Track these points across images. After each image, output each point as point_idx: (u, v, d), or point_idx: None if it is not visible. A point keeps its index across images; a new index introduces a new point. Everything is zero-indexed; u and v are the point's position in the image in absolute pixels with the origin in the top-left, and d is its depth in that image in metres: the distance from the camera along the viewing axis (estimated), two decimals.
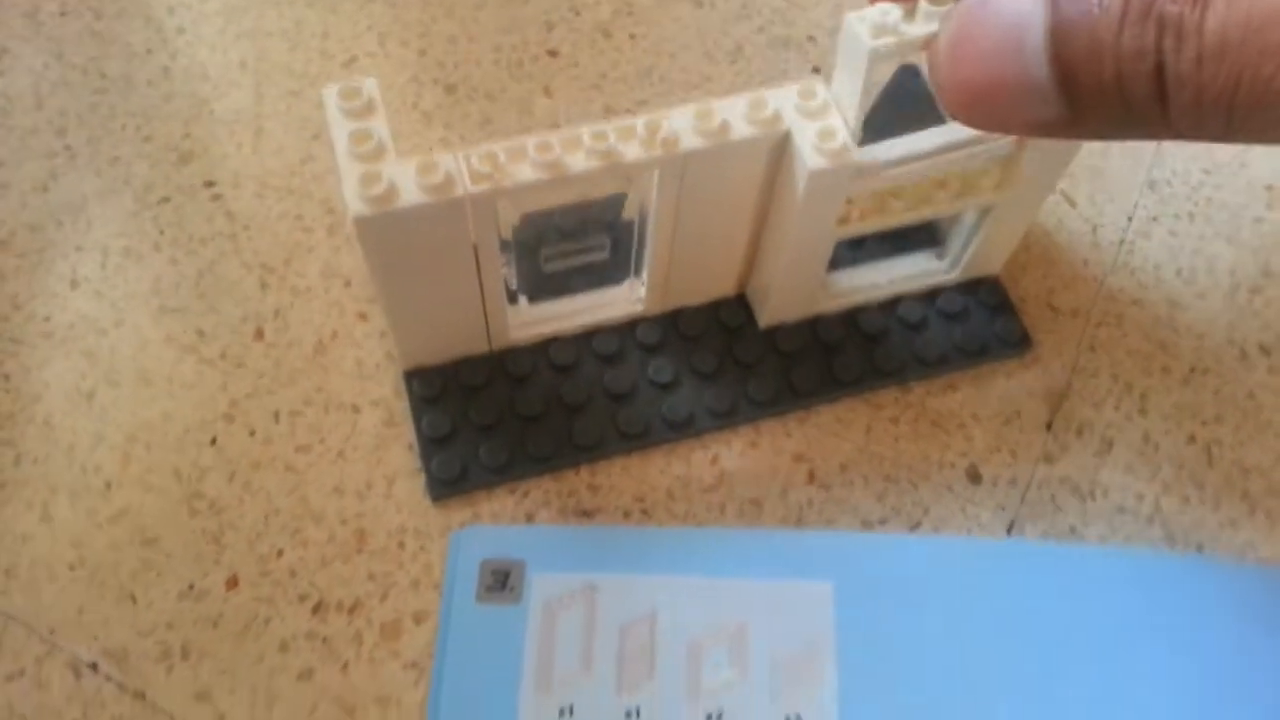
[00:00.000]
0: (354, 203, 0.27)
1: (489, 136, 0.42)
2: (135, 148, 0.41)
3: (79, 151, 0.41)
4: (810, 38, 0.44)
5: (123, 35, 0.44)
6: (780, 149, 0.29)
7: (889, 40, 0.26)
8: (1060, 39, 0.19)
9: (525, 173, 0.28)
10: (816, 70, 0.44)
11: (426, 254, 0.29)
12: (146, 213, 0.40)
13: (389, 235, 0.28)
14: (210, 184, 0.40)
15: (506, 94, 0.43)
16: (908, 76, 0.30)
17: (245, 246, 0.39)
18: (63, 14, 0.45)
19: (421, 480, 0.34)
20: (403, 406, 0.35)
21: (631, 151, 0.28)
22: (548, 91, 0.43)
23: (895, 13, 0.26)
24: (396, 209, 0.27)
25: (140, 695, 0.31)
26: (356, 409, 0.36)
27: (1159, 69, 0.18)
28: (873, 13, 0.27)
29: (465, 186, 0.27)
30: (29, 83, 0.43)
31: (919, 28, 0.26)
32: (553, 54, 0.44)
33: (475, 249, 0.30)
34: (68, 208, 0.40)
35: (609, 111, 0.42)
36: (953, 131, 0.30)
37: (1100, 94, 0.19)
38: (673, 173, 0.29)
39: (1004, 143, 0.31)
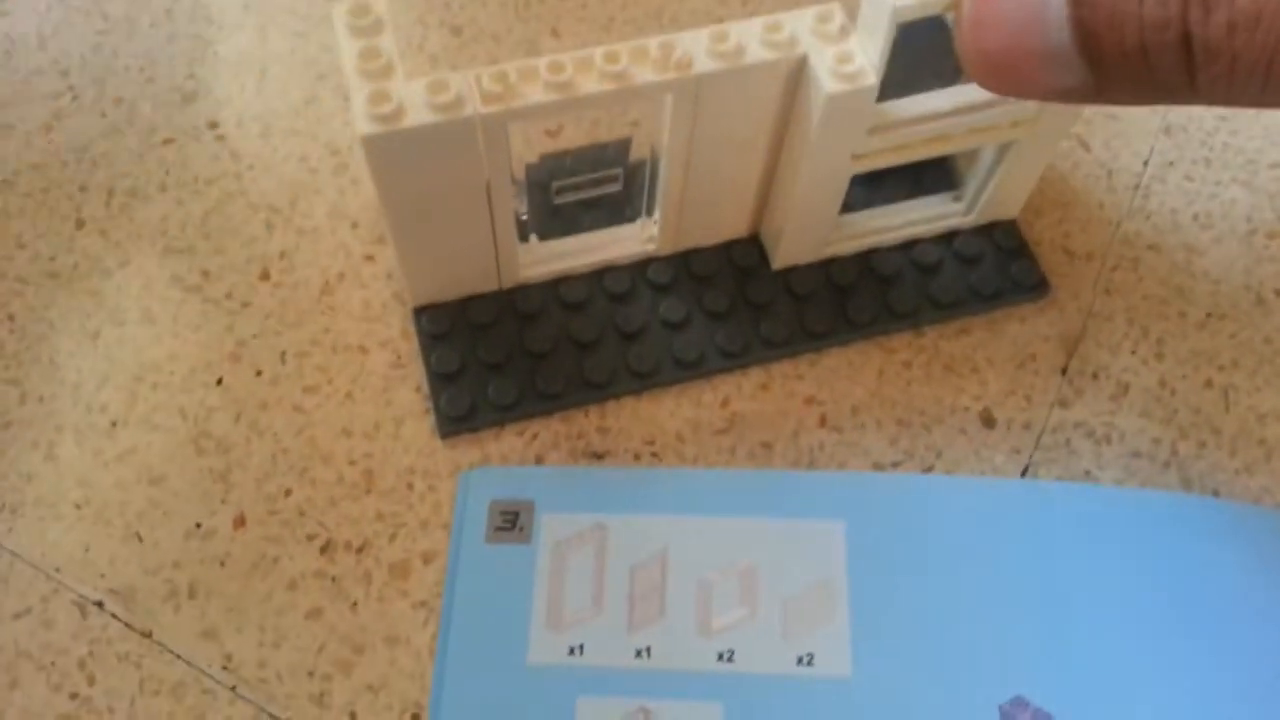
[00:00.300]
0: (362, 121, 0.26)
1: None
2: (139, 89, 0.41)
3: (83, 92, 0.41)
4: None
5: None
6: (796, 74, 0.29)
7: (912, 1, 0.26)
8: (1081, 6, 0.18)
9: (537, 93, 0.27)
10: None
11: (436, 179, 0.29)
12: (151, 153, 0.39)
13: (398, 156, 0.27)
14: (214, 125, 0.40)
15: (513, 35, 0.42)
16: (932, 27, 0.29)
17: (251, 187, 0.38)
18: None
19: (429, 422, 0.34)
20: (410, 348, 0.35)
21: (644, 74, 0.28)
22: (555, 33, 0.42)
23: None
24: (405, 127, 0.26)
25: (147, 634, 0.31)
26: (364, 350, 0.35)
27: (1185, 38, 0.18)
28: None
29: (476, 106, 0.27)
30: (33, 24, 0.42)
31: None
32: None
33: (487, 180, 0.29)
34: (72, 148, 0.39)
35: None
36: (973, 91, 0.30)
37: (1124, 62, 0.18)
38: (686, 96, 0.29)
39: (1024, 105, 0.30)
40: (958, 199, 0.36)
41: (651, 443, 0.34)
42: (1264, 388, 0.35)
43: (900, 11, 0.26)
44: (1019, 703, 0.28)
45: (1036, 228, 0.37)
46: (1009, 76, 0.20)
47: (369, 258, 0.37)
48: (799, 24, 0.29)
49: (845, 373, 0.35)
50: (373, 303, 0.36)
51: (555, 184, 0.31)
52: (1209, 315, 0.36)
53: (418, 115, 0.27)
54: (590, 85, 0.28)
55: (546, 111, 0.27)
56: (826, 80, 0.28)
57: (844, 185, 0.32)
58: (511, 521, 0.32)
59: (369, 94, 0.27)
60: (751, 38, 0.28)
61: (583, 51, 0.28)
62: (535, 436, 0.34)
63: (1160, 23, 0.18)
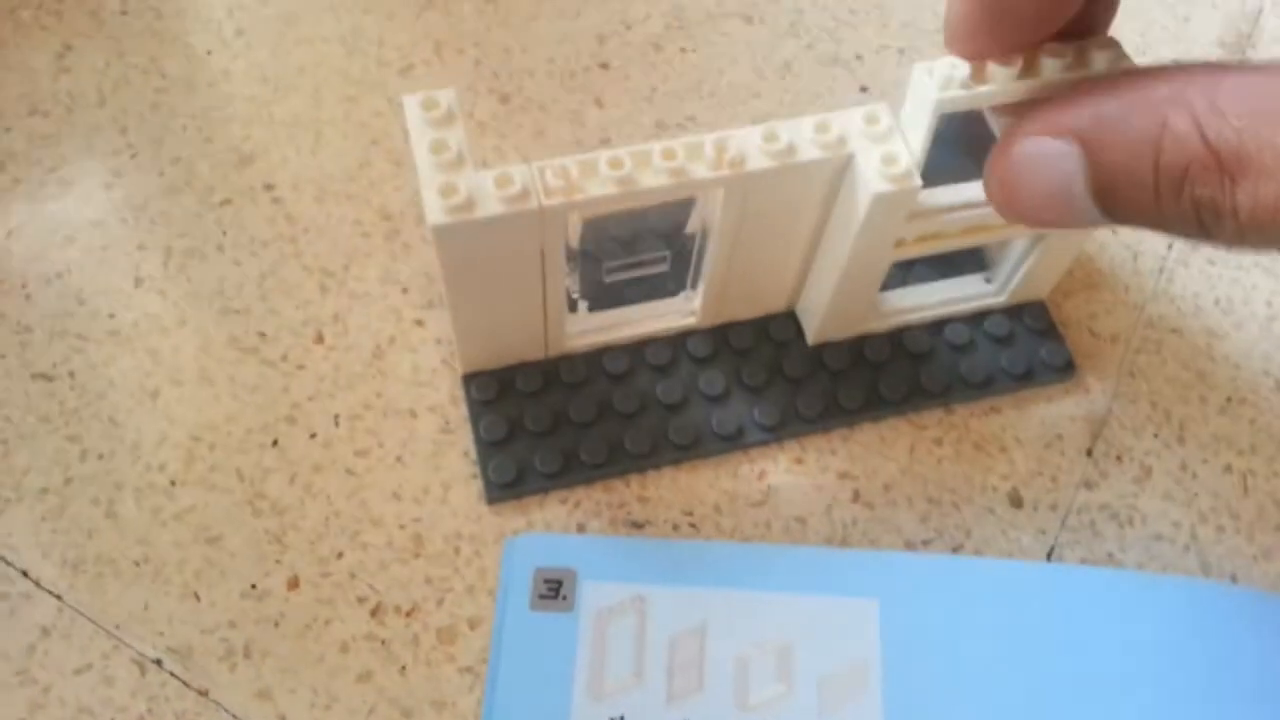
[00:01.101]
0: (434, 212, 0.28)
1: (542, 146, 0.42)
2: (197, 148, 0.42)
3: (141, 150, 0.42)
4: (858, 56, 0.45)
5: (182, 35, 0.45)
6: (842, 171, 0.30)
7: (956, 94, 0.27)
8: (1103, 194, 0.21)
9: (597, 187, 0.29)
10: (864, 89, 0.44)
11: (497, 262, 0.30)
12: (209, 214, 0.41)
13: (465, 243, 0.29)
14: (270, 187, 0.41)
15: (559, 105, 0.44)
16: (970, 120, 0.30)
17: (305, 250, 0.40)
18: (124, 12, 0.45)
19: (476, 487, 0.35)
20: (458, 414, 0.36)
21: (699, 170, 0.29)
22: (599, 103, 0.44)
23: (964, 68, 0.27)
24: (475, 219, 0.28)
25: (204, 693, 0.32)
26: (414, 414, 0.36)
27: (1201, 226, 0.20)
28: (941, 65, 0.27)
29: (540, 199, 0.28)
30: (92, 81, 0.44)
31: (987, 85, 0.27)
32: (604, 66, 0.45)
33: (543, 258, 0.30)
34: (130, 206, 0.41)
35: (659, 125, 0.43)
36: None
37: (1141, 219, 0.21)
38: (737, 191, 0.30)
39: None
40: (989, 280, 0.37)
41: (690, 513, 0.35)
42: None
43: (943, 103, 0.28)
44: None
45: (1064, 309, 0.38)
46: (1033, 224, 0.23)
47: (419, 322, 0.38)
48: (848, 124, 0.30)
49: (877, 448, 0.36)
50: (422, 367, 0.37)
51: (606, 264, 0.33)
52: (1229, 400, 0.37)
53: (486, 207, 0.28)
54: (648, 179, 0.29)
55: (606, 203, 0.29)
56: (874, 180, 0.29)
57: (883, 272, 0.33)
58: (555, 589, 0.33)
59: (440, 186, 0.28)
60: (801, 137, 0.30)
61: (639, 147, 0.29)
62: (578, 504, 0.35)
63: (1178, 216, 0.20)
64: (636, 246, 0.34)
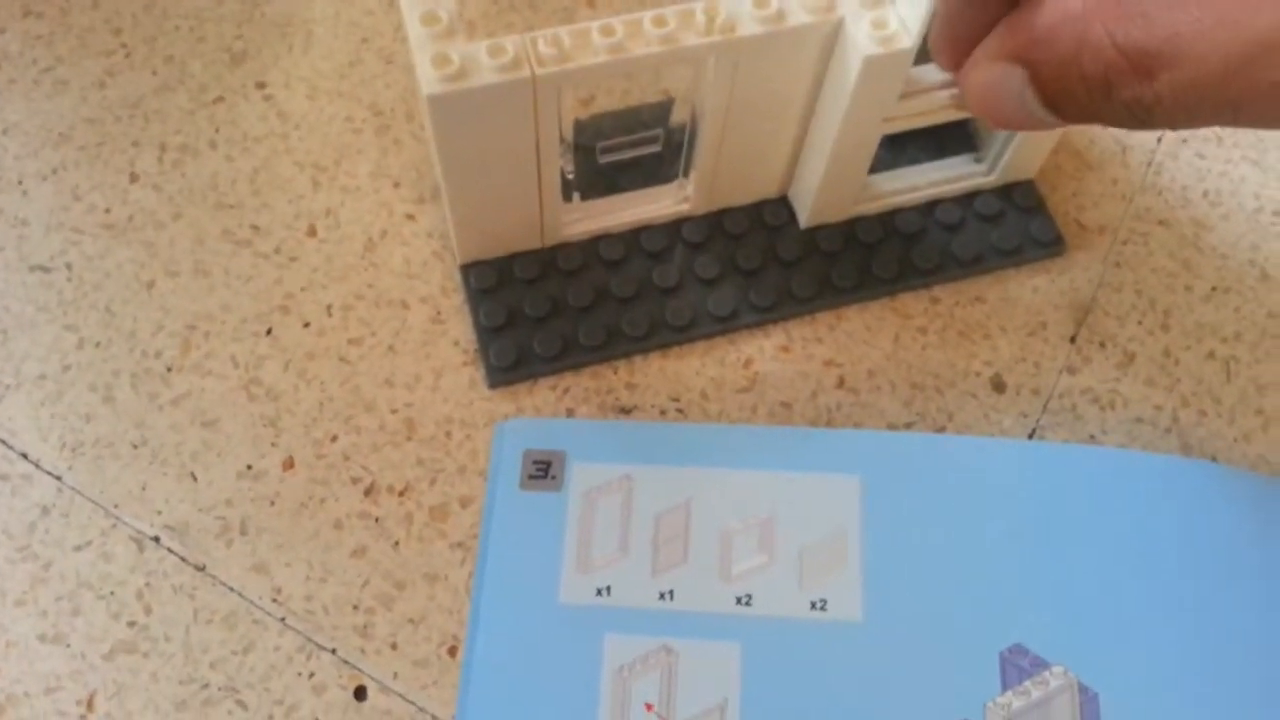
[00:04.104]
0: (428, 83, 0.28)
1: None
2: (189, 47, 0.42)
3: (135, 50, 0.42)
4: None
5: None
6: (833, 37, 0.30)
7: None
8: (1051, 105, 0.24)
9: (589, 56, 0.29)
10: None
11: (492, 139, 0.30)
12: (201, 111, 0.41)
13: (460, 114, 0.29)
14: (262, 85, 0.41)
15: (549, 3, 0.44)
16: None
17: (297, 146, 0.40)
18: None
19: (467, 374, 0.36)
20: (449, 304, 0.37)
21: (691, 37, 0.29)
22: (590, 2, 0.44)
23: None
24: (468, 87, 0.28)
25: (201, 567, 0.33)
26: (405, 305, 0.37)
27: (1138, 120, 0.22)
28: None
29: (533, 67, 0.29)
30: None
31: None
32: None
33: (537, 136, 0.31)
34: (125, 104, 0.41)
35: None
36: None
37: (1081, 113, 0.23)
38: (728, 59, 0.30)
39: None
40: (978, 160, 0.38)
41: (677, 399, 0.36)
42: (1264, 360, 0.36)
43: None
44: (1018, 650, 0.30)
45: (1052, 200, 0.39)
46: (1002, 125, 0.25)
47: (410, 216, 0.39)
48: None
49: (863, 336, 0.37)
50: (413, 260, 0.38)
51: (600, 144, 0.33)
52: (1214, 289, 0.38)
53: (480, 76, 0.28)
54: (640, 48, 0.29)
55: (598, 73, 0.29)
56: (864, 43, 0.29)
57: (874, 146, 0.34)
58: (544, 470, 0.34)
59: (433, 55, 0.28)
60: (792, 2, 0.30)
61: (631, 16, 0.30)
62: (567, 391, 0.36)
63: (1114, 115, 0.22)
64: (630, 128, 0.34)
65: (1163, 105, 0.22)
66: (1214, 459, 0.35)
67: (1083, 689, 0.30)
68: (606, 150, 0.34)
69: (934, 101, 0.32)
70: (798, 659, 0.30)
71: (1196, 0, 0.21)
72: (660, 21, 0.29)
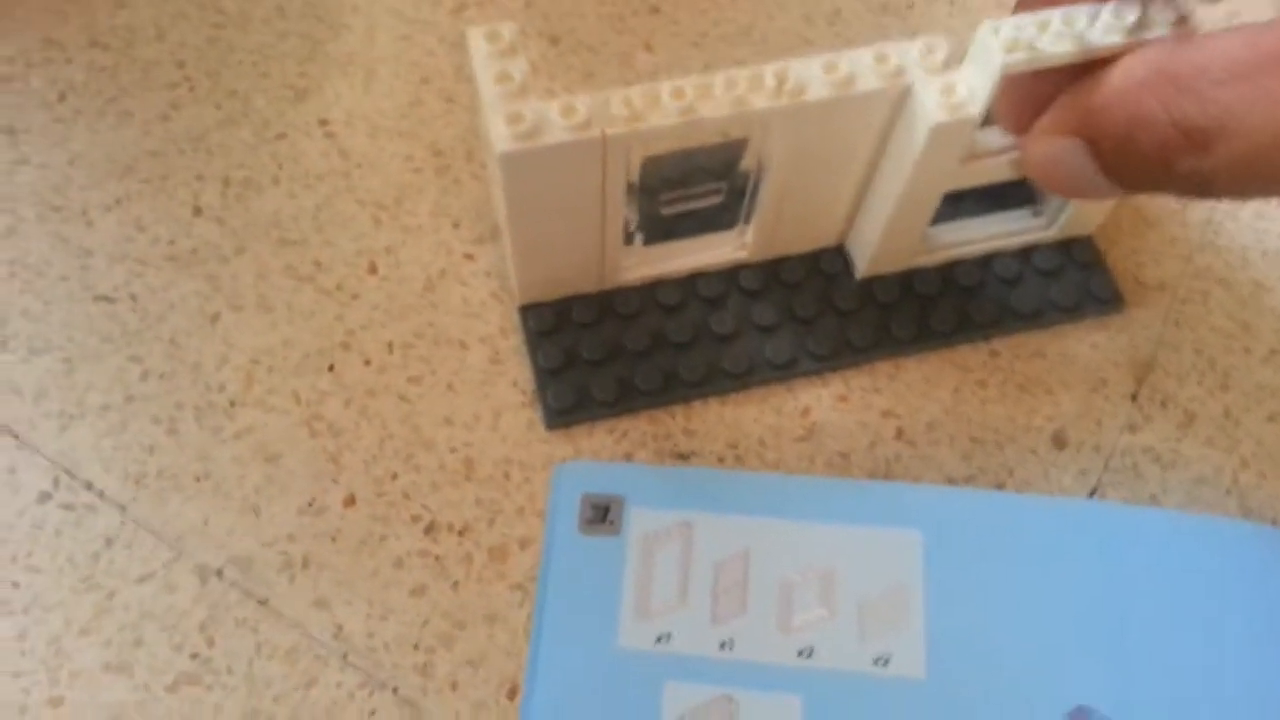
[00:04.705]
0: (501, 140, 0.28)
1: (591, 89, 0.43)
2: (253, 83, 0.43)
3: (198, 84, 0.43)
4: (909, 4, 0.45)
5: None
6: (901, 102, 0.31)
7: (1021, 56, 0.27)
8: (1113, 177, 0.24)
9: (659, 117, 0.29)
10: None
11: (559, 191, 0.31)
12: (264, 147, 0.41)
13: (530, 171, 0.29)
14: (324, 122, 0.42)
15: (608, 48, 0.44)
16: None
17: (358, 184, 0.40)
18: None
19: (526, 415, 0.36)
20: (508, 345, 0.37)
21: (759, 100, 0.30)
22: (649, 47, 0.44)
23: (1030, 28, 0.27)
24: (541, 146, 0.28)
25: (264, 602, 0.33)
26: (464, 345, 0.37)
27: (1200, 191, 0.23)
28: (1007, 27, 0.28)
29: (604, 127, 0.29)
30: (150, 15, 0.44)
31: (1052, 45, 0.27)
32: (654, 10, 0.45)
33: (603, 188, 0.31)
34: (188, 137, 0.41)
35: (708, 69, 0.43)
36: None
37: (1145, 187, 0.24)
38: (796, 122, 0.30)
39: None
40: (1037, 214, 0.38)
41: (735, 446, 0.36)
42: None
43: (1008, 65, 0.28)
44: (1082, 712, 0.30)
45: (1111, 256, 0.39)
46: (1065, 194, 0.26)
47: (469, 256, 0.39)
48: (906, 55, 0.30)
49: (921, 389, 0.37)
50: (472, 300, 0.38)
51: (663, 195, 0.33)
52: (1273, 351, 0.38)
53: (552, 135, 0.29)
54: (709, 110, 0.30)
55: (669, 134, 0.29)
56: (932, 110, 0.30)
57: (935, 204, 0.34)
58: (602, 514, 0.34)
59: (506, 115, 0.29)
60: (861, 67, 0.30)
61: (702, 78, 0.30)
62: (624, 435, 0.36)
63: (1156, 157, 0.23)
64: (691, 181, 0.34)
65: (1219, 177, 0.22)
66: (1275, 522, 0.34)
67: None
68: (669, 202, 0.35)
69: (997, 165, 0.32)
70: (860, 714, 0.30)
71: (1245, 77, 0.21)
72: (730, 84, 0.29)
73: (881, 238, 0.35)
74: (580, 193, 0.31)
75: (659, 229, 0.36)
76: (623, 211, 0.33)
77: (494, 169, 0.31)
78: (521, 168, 0.29)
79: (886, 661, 0.31)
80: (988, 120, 0.31)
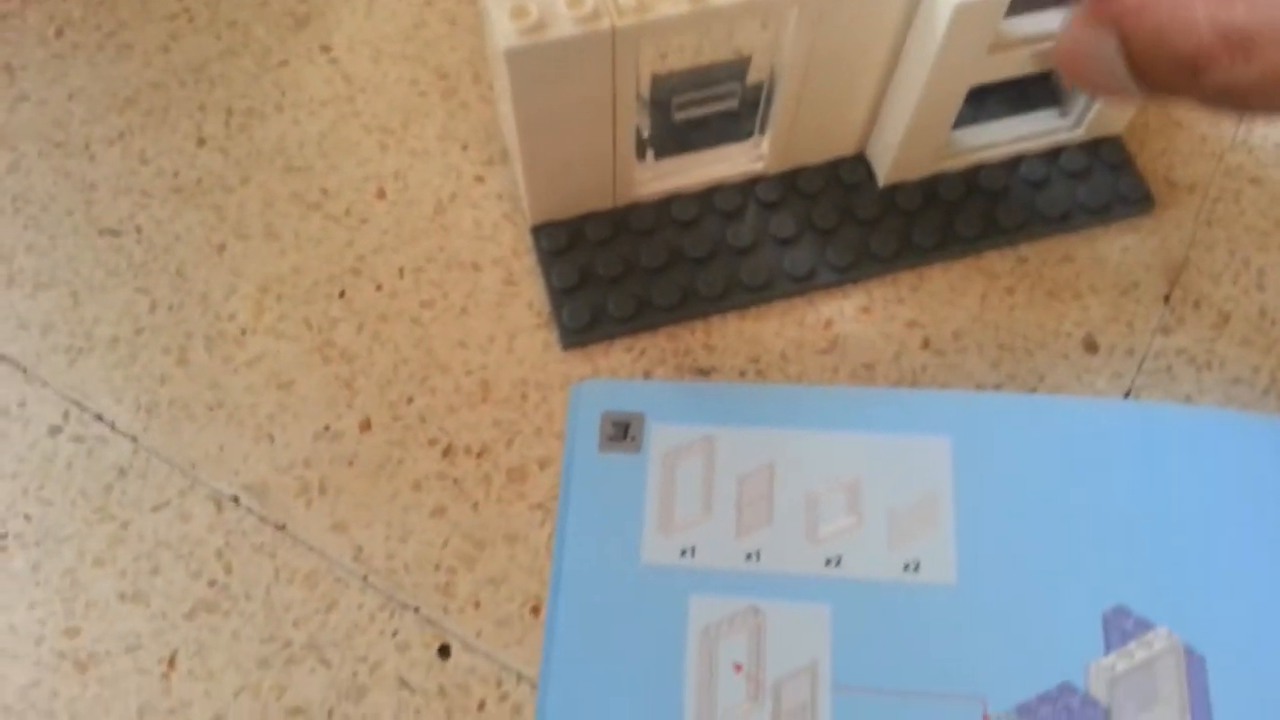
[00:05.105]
0: (505, 36, 0.27)
1: None
2: (252, 12, 0.42)
3: (198, 14, 0.42)
4: None
5: None
6: None
7: None
8: (1139, 76, 0.23)
9: (670, 6, 0.28)
10: None
11: (569, 93, 0.30)
12: (266, 75, 0.40)
13: (537, 68, 0.28)
14: (326, 49, 0.41)
15: None
16: None
17: (364, 109, 0.39)
18: None
19: (541, 336, 0.35)
20: (521, 266, 0.36)
21: None
22: None
23: None
24: (547, 40, 0.27)
25: (281, 526, 0.32)
26: (477, 267, 0.36)
27: (1230, 103, 0.22)
28: None
29: (613, 19, 0.28)
30: None
31: None
32: None
33: (614, 92, 0.30)
34: (189, 68, 0.40)
35: None
36: None
37: (1175, 97, 0.23)
38: (812, 10, 0.29)
39: None
40: (1064, 114, 0.36)
41: (756, 361, 0.35)
42: None
43: None
44: (1121, 611, 0.29)
45: (1141, 159, 0.38)
46: (1086, 88, 0.25)
47: (479, 179, 0.38)
48: None
49: (947, 297, 0.36)
50: (484, 222, 0.37)
51: (676, 99, 0.32)
52: None
53: (558, 28, 0.28)
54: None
55: (679, 24, 0.28)
56: None
57: (959, 101, 0.33)
58: (623, 432, 0.33)
59: (510, 8, 0.28)
60: None
61: None
62: (643, 353, 0.35)
63: (1186, 62, 0.22)
64: (704, 84, 0.33)
65: (1259, 88, 0.21)
66: None
67: (1189, 652, 0.29)
68: (682, 106, 0.33)
69: (1024, 56, 0.31)
70: (890, 621, 0.30)
71: None
72: None
73: (903, 142, 0.34)
74: (590, 94, 0.30)
75: (672, 140, 0.35)
76: (634, 119, 0.32)
77: (500, 73, 0.30)
78: (528, 66, 0.28)
79: (916, 568, 0.30)
80: (1015, 6, 0.30)
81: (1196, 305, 0.35)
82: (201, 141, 0.39)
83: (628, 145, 0.33)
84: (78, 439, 0.34)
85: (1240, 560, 0.30)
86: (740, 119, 0.35)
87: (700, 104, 0.33)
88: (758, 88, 0.34)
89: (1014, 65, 0.32)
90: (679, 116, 0.33)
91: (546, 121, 0.31)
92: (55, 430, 0.34)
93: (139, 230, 0.37)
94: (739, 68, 0.34)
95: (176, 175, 0.38)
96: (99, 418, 0.34)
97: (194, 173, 0.38)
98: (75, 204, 0.38)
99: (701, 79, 0.33)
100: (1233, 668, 0.29)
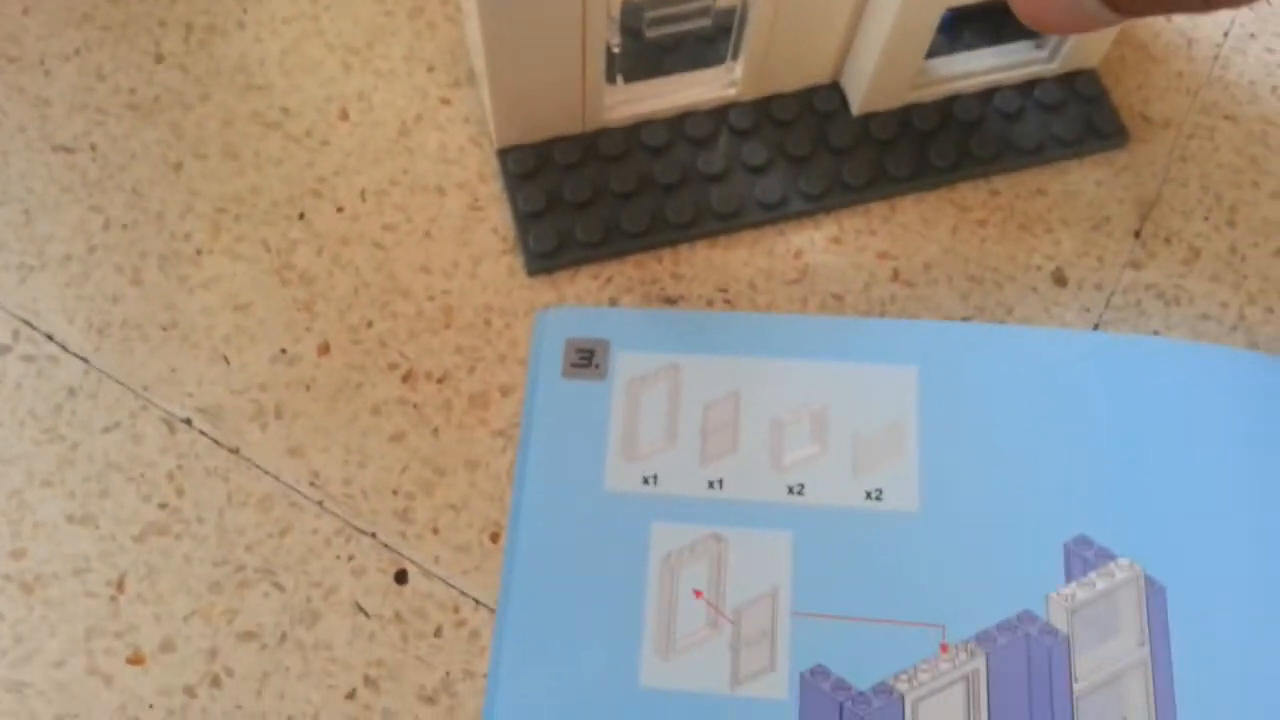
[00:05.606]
0: None
1: None
2: None
3: None
4: None
5: None
6: None
7: None
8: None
9: None
10: None
11: (537, 10, 0.29)
12: None
13: None
14: None
15: None
16: None
17: (328, 28, 0.38)
18: None
19: (506, 262, 0.34)
20: (487, 191, 0.36)
21: None
22: None
23: None
24: None
25: (235, 450, 0.32)
26: (442, 191, 0.36)
27: None
28: None
29: None
30: None
31: None
32: None
33: (583, 10, 0.29)
34: None
35: None
36: None
37: (1157, 9, 0.22)
38: None
39: None
40: (1039, 46, 0.36)
41: (724, 290, 0.34)
42: None
43: None
44: (1083, 541, 0.29)
45: (1115, 93, 0.37)
46: (1061, 33, 0.25)
47: (445, 101, 0.37)
48: None
49: (918, 229, 0.35)
50: (450, 146, 0.36)
51: (648, 14, 0.31)
52: None
53: None
54: None
55: None
56: None
57: (934, 25, 0.32)
58: (587, 359, 0.32)
59: None
60: None
61: None
62: (609, 280, 0.34)
63: None
64: (678, 2, 0.32)
65: None
66: None
67: (1150, 582, 0.29)
68: (653, 23, 0.33)
69: None
70: (851, 548, 0.29)
71: None
72: None
73: (877, 69, 0.33)
74: (559, 14, 0.29)
75: (644, 63, 0.34)
76: (604, 40, 0.31)
77: None
78: None
79: (879, 495, 0.30)
80: None
81: (1167, 241, 0.35)
82: (160, 58, 0.38)
83: (597, 67, 0.32)
84: (28, 358, 0.33)
85: (1204, 493, 0.30)
86: (714, 44, 0.34)
87: (672, 21, 0.32)
88: (730, 11, 0.33)
89: None
90: (650, 34, 0.32)
91: (514, 41, 0.30)
92: (4, 349, 0.33)
93: (94, 148, 0.36)
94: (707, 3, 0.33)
95: (134, 92, 0.37)
96: (50, 337, 0.33)
97: (151, 90, 0.37)
98: (29, 120, 0.37)
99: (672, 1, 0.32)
100: (1193, 599, 0.29)
